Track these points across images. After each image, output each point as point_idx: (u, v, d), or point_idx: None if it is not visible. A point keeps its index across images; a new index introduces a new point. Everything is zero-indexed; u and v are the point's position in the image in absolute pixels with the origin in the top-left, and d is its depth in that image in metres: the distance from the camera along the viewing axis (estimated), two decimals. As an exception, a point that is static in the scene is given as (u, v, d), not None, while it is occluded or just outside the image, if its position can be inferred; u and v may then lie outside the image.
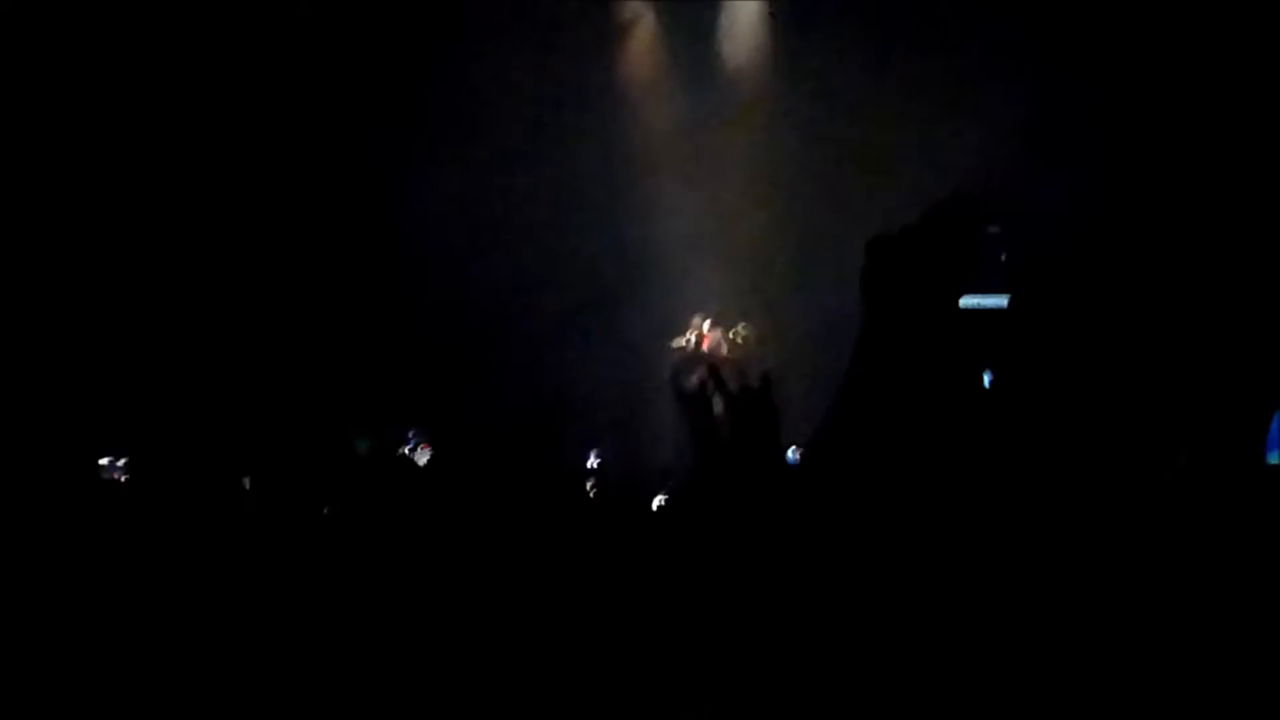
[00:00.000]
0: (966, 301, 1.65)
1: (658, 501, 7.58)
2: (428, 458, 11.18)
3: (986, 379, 1.73)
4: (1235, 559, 2.19)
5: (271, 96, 11.90)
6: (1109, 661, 1.90)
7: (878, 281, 1.65)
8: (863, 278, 1.66)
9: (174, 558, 4.29)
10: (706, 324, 11.80)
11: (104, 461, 7.88)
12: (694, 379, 11.64)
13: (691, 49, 12.98)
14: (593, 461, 10.93)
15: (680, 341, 11.96)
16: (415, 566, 4.29)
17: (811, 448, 1.89)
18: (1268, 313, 9.57)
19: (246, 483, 7.19)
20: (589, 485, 8.23)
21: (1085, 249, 9.89)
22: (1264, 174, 10.53)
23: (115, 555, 4.36)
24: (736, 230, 12.61)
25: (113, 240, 11.57)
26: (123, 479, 7.60)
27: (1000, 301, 1.51)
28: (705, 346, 11.75)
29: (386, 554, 4.45)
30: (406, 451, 11.18)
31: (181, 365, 11.42)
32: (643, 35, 13.04)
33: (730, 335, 11.71)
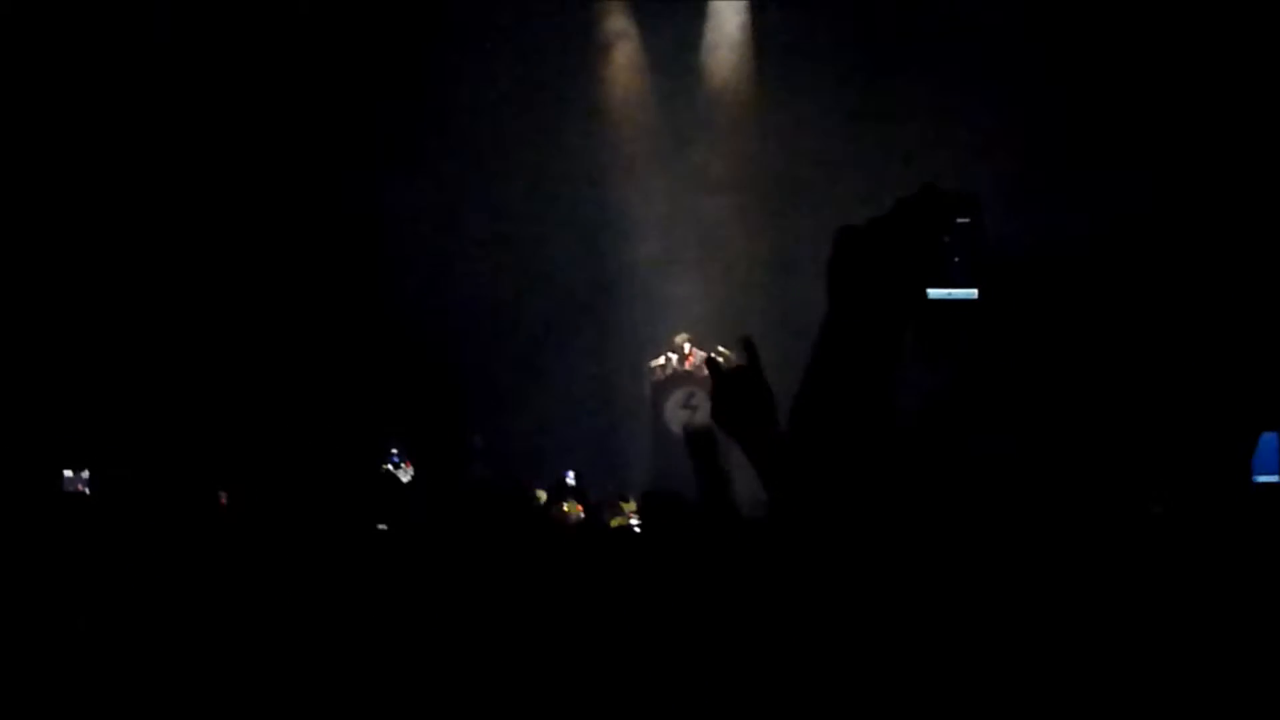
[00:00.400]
0: (935, 293, 1.61)
1: (634, 521, 7.53)
2: (410, 475, 11.15)
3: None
4: (1226, 580, 2.15)
5: (249, 107, 11.82)
6: (1093, 690, 1.86)
7: (842, 271, 1.62)
8: (828, 268, 1.63)
9: (142, 574, 4.22)
10: (688, 344, 11.73)
11: (68, 474, 7.77)
12: (676, 398, 11.61)
13: (673, 66, 12.96)
14: (570, 480, 10.88)
15: (661, 361, 11.89)
16: (395, 583, 4.25)
17: (783, 440, 1.86)
18: (1250, 324, 9.59)
19: (223, 496, 7.11)
20: (564, 504, 8.18)
21: (1060, 246, 9.90)
22: (1239, 183, 10.58)
23: (79, 571, 4.29)
24: (717, 245, 12.61)
25: (84, 249, 11.44)
26: (87, 491, 7.49)
27: (970, 293, 1.49)
28: (690, 366, 11.68)
29: (368, 570, 4.41)
30: (390, 468, 11.15)
31: (154, 376, 11.30)
32: (625, 52, 13.03)
33: (712, 356, 11.60)
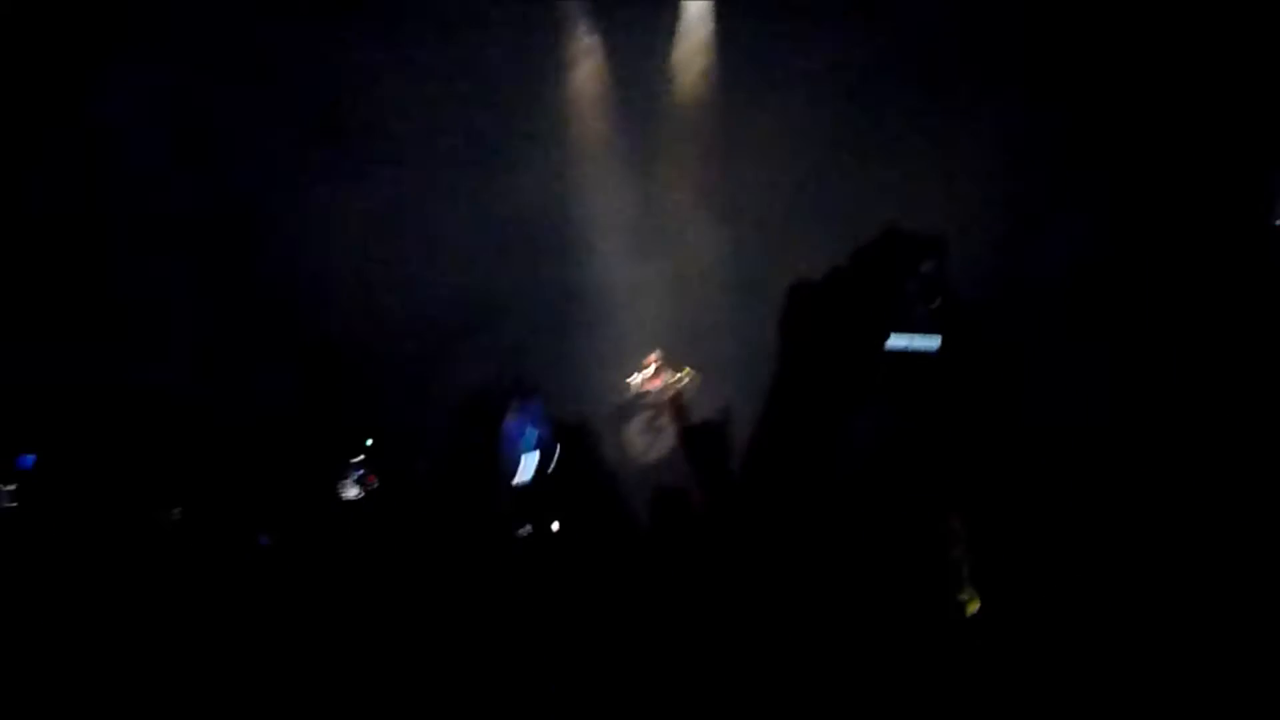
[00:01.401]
0: (894, 343, 1.61)
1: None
2: (374, 488, 11.07)
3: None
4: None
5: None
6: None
7: (798, 323, 1.61)
8: (781, 319, 1.62)
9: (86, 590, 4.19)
10: (654, 365, 11.66)
11: None
12: (637, 422, 11.55)
13: (640, 79, 12.93)
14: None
15: (630, 381, 11.81)
16: (355, 597, 4.26)
17: (736, 489, 1.85)
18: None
19: (176, 513, 7.06)
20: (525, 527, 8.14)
21: (1027, 293, 9.95)
22: (1204, 240, 10.63)
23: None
24: (685, 262, 12.59)
25: None
26: (12, 505, 7.35)
27: (930, 344, 1.46)
28: (657, 386, 11.63)
29: (325, 585, 4.42)
30: (351, 483, 11.05)
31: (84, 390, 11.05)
32: (591, 65, 12.99)
33: (675, 378, 11.54)
